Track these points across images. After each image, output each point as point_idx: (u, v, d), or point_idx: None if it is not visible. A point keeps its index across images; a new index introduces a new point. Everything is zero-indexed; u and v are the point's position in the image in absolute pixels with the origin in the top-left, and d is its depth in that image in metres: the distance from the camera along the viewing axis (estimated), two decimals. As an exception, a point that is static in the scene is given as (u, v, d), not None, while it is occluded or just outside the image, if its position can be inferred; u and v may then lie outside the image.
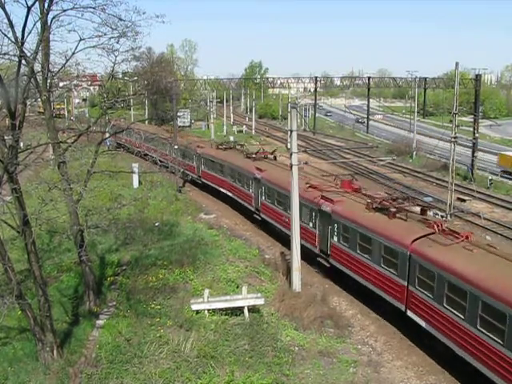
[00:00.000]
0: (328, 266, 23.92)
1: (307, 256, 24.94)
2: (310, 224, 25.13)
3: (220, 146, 42.13)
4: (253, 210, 33.38)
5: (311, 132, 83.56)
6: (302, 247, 23.10)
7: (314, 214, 24.81)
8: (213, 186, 40.89)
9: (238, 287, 21.82)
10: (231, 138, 70.31)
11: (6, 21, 14.39)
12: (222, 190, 39.00)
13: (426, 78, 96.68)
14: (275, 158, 35.92)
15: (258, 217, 32.83)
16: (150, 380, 14.92)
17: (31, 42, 15.55)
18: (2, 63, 16.57)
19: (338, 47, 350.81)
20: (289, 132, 22.51)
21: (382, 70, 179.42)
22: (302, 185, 24.04)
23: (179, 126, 70.10)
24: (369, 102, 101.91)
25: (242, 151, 39.56)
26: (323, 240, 24.25)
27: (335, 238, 23.00)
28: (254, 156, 36.24)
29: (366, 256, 20.85)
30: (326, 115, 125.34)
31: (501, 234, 32.25)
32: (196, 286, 22.05)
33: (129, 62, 19.71)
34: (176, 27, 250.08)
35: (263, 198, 31.41)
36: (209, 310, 19.24)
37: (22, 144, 17.20)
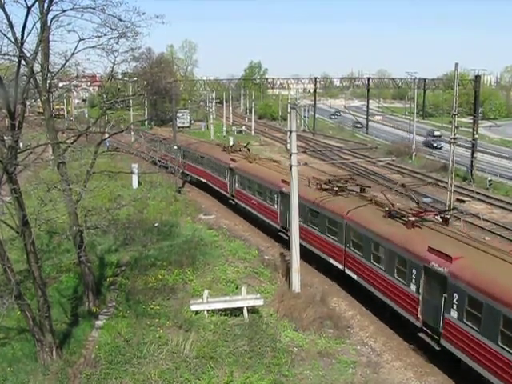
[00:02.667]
0: None
1: None
2: None
3: (328, 186, 25.36)
4: (418, 324, 17.71)
5: (311, 133, 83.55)
6: None
7: None
8: (315, 251, 25.18)
9: (237, 288, 21.82)
10: (231, 141, 69.80)
11: (5, 21, 14.46)
12: (332, 261, 23.65)
13: (425, 79, 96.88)
14: (445, 221, 20.03)
15: (429, 340, 17.27)
16: (149, 380, 14.92)
17: (31, 43, 15.57)
18: (2, 63, 16.57)
19: (338, 48, 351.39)
20: (288, 133, 22.52)
21: (381, 71, 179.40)
22: None
23: (178, 127, 70.06)
24: (368, 102, 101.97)
25: (371, 200, 22.93)
26: None
27: None
28: (410, 217, 19.58)
29: None
30: (356, 127, 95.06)
31: (500, 235, 32.26)
32: (195, 286, 22.05)
33: (128, 62, 19.80)
34: (175, 28, 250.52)
35: (459, 316, 15.66)
36: (208, 310, 19.24)
37: (21, 144, 17.16)
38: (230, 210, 37.90)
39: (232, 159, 37.32)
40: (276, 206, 29.70)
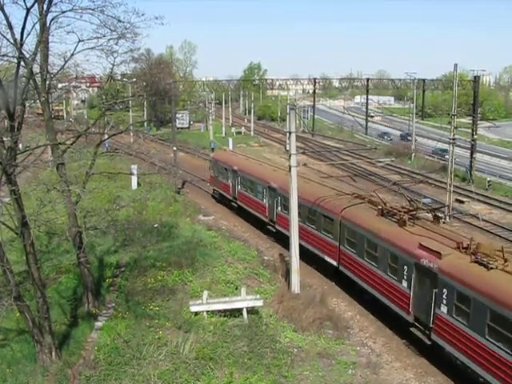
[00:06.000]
0: None
1: None
2: None
3: None
4: None
5: (310, 133, 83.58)
6: None
7: None
8: None
9: (236, 289, 21.81)
10: (230, 142, 69.70)
11: (4, 22, 14.47)
12: None
13: (424, 80, 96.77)
14: None
15: None
16: (148, 382, 14.91)
17: (30, 44, 15.55)
18: (1, 64, 16.56)
19: (337, 48, 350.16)
20: (287, 134, 22.56)
21: (380, 72, 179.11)
22: None
23: (178, 128, 70.04)
24: (368, 103, 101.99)
25: None
26: None
27: None
28: None
29: None
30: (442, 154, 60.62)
31: (499, 236, 32.29)
32: (195, 287, 22.03)
33: (127, 63, 19.70)
34: (175, 29, 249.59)
35: None
36: (207, 311, 19.23)
37: (20, 145, 17.19)
38: (230, 211, 37.86)
39: (427, 249, 17.55)
40: None
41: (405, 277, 18.46)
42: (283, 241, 24.71)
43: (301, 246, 23.22)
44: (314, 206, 25.34)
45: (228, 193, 37.49)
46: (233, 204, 36.87)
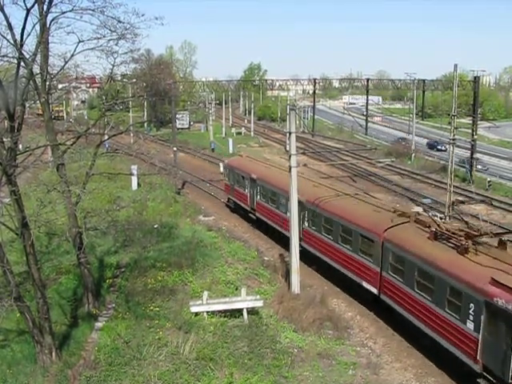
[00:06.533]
0: None
1: None
2: None
3: None
4: None
5: (310, 134, 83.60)
6: None
7: None
8: None
9: (236, 289, 21.81)
10: (230, 142, 69.75)
11: (5, 23, 14.52)
12: None
13: (424, 80, 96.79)
14: None
15: None
16: (148, 382, 14.91)
17: (30, 44, 15.58)
18: (1, 65, 16.57)
19: (337, 48, 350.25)
20: (287, 134, 22.56)
21: (380, 72, 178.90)
22: None
23: (178, 129, 70.04)
24: (368, 103, 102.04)
25: None
26: None
27: None
28: None
29: None
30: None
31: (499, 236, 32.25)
32: (195, 287, 22.03)
33: (128, 64, 19.71)
34: (175, 29, 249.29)
35: None
36: (208, 312, 19.24)
37: (20, 146, 17.19)
38: (230, 212, 37.86)
39: (503, 286, 14.41)
40: None
41: (471, 317, 15.23)
42: (311, 260, 24.08)
43: (334, 269, 22.92)
44: (348, 223, 22.65)
45: (245, 203, 34.30)
46: (251, 215, 34.00)
